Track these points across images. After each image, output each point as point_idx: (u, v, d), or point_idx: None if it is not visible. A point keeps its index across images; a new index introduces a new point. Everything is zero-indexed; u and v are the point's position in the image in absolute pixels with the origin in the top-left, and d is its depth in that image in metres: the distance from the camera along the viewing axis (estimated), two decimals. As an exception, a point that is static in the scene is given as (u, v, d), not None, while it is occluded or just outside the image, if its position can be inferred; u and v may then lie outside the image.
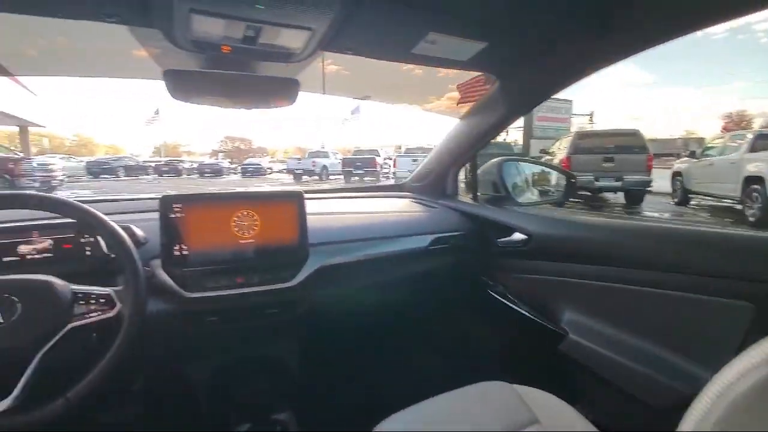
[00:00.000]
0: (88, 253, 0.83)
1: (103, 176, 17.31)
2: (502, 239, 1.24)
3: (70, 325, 0.66)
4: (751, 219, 6.01)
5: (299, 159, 18.08)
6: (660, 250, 0.90)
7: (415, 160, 13.57)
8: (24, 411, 0.60)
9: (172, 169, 19.67)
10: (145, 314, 0.70)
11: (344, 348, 1.25)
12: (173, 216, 0.89)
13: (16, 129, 14.18)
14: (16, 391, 0.60)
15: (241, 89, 0.80)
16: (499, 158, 1.37)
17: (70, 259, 0.82)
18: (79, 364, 0.73)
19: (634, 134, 8.40)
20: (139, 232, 0.82)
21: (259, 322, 0.99)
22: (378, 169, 15.62)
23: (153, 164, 20.32)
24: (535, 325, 1.11)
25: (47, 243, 0.81)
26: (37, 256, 0.80)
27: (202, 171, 19.71)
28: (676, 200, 8.62)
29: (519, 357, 1.24)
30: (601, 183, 7.97)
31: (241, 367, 1.09)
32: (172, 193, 0.92)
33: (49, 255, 0.81)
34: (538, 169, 1.48)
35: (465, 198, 1.45)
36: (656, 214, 7.89)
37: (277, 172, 21.75)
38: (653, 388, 0.83)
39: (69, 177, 12.54)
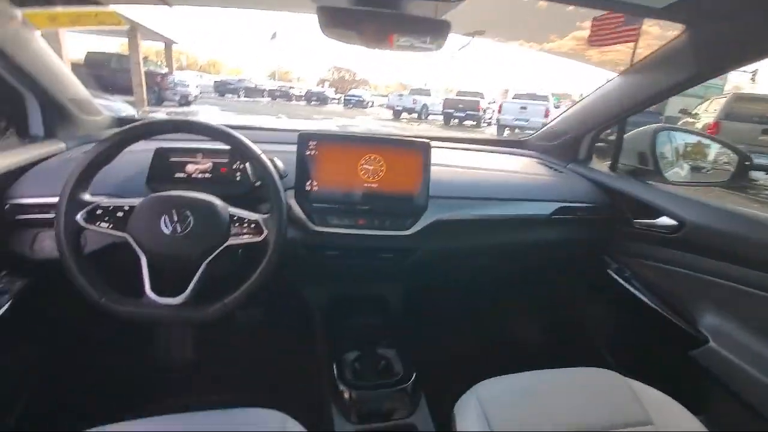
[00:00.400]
0: (237, 178, 0.93)
1: (227, 95, 19.10)
2: (641, 220, 1.08)
3: (226, 243, 0.75)
4: None
5: (401, 95, 17.75)
6: None
7: (523, 108, 12.40)
8: (193, 308, 0.73)
9: (283, 94, 20.84)
10: (285, 242, 0.77)
11: (447, 302, 1.27)
12: (308, 152, 0.94)
13: (162, 46, 16.04)
14: (187, 291, 0.72)
15: (390, 29, 0.77)
16: (655, 125, 1.16)
17: (224, 182, 0.92)
18: (228, 276, 0.85)
19: None
20: (280, 164, 0.88)
21: (372, 263, 1.05)
22: (480, 113, 14.69)
23: (267, 88, 21.70)
24: (663, 321, 0.99)
25: (208, 165, 0.92)
26: (200, 176, 0.91)
27: (309, 98, 20.53)
28: None
29: (637, 351, 1.14)
30: (756, 161, 6.51)
31: (352, 300, 1.18)
32: (309, 129, 0.96)
33: (209, 176, 0.92)
34: (701, 141, 1.23)
35: (600, 166, 1.29)
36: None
37: (377, 106, 21.77)
38: None
39: (201, 93, 14.07)
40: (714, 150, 1.26)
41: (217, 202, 0.76)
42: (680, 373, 0.95)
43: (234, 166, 0.93)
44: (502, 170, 1.19)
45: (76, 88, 1.05)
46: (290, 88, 22.92)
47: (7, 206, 0.82)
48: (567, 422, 0.76)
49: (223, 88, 19.47)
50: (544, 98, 13.33)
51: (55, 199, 0.83)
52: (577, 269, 1.29)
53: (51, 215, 0.84)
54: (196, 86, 12.22)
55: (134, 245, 0.72)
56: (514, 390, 0.82)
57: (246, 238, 0.76)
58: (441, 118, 15.61)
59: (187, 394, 1.23)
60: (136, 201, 0.74)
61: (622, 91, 1.12)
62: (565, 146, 1.33)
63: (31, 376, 0.97)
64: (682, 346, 0.93)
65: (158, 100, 10.79)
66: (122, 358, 1.26)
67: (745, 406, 0.80)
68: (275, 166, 0.85)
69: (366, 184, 0.96)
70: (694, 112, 8.35)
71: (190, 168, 0.91)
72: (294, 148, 0.96)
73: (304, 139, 0.93)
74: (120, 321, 0.72)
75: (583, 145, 1.30)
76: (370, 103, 20.89)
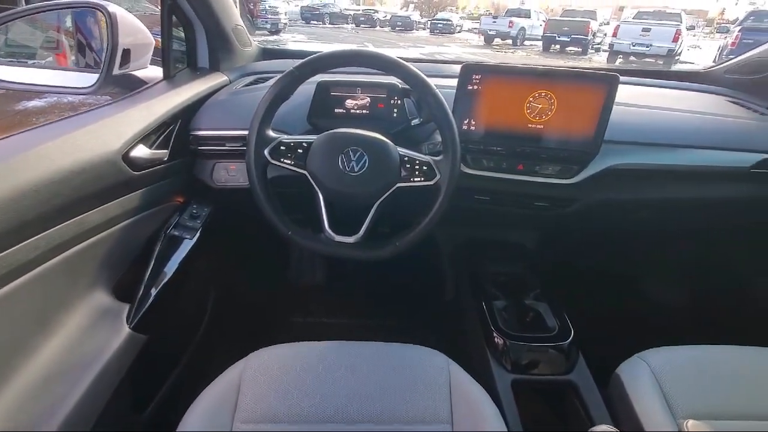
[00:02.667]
0: (395, 115, 0.88)
1: (312, 21, 18.83)
2: None
3: (397, 185, 0.73)
4: None
5: (495, 18, 15.90)
6: None
7: (646, 30, 10.44)
8: (367, 247, 0.74)
9: (367, 20, 19.91)
10: (456, 187, 0.73)
11: (601, 258, 1.17)
12: (471, 87, 0.85)
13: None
14: (362, 231, 0.73)
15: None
16: None
17: (381, 118, 0.88)
18: (395, 216, 0.84)
19: None
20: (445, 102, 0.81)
21: (525, 212, 0.97)
22: (589, 37, 12.71)
23: (351, 13, 20.88)
24: None
25: (366, 100, 0.88)
26: (358, 112, 0.88)
27: (394, 24, 19.38)
28: None
29: None
30: None
31: (487, 245, 1.14)
32: (473, 60, 0.85)
33: (366, 112, 0.88)
34: None
35: None
36: None
37: (466, 30, 19.94)
38: None
39: (289, 20, 14.03)
40: None
41: (388, 141, 0.73)
42: None
43: (391, 102, 0.88)
44: (688, 111, 0.99)
45: (236, 15, 1.05)
46: (374, 12, 21.78)
47: (191, 137, 0.88)
48: (756, 406, 0.68)
49: (308, 15, 19.19)
50: (676, 17, 11.09)
51: (230, 132, 0.87)
52: (756, 235, 1.09)
53: (227, 147, 0.89)
54: (285, 14, 12.14)
55: (313, 182, 0.73)
56: (690, 362, 0.75)
57: (417, 182, 0.73)
58: (539, 44, 13.87)
59: (330, 315, 1.35)
60: (312, 137, 0.73)
61: None
62: None
63: (212, 291, 1.11)
64: None
65: (251, 28, 10.98)
66: (270, 279, 1.39)
67: None
68: None
69: (531, 125, 0.86)
70: None
71: (349, 103, 0.88)
72: (446, 82, 0.87)
73: (469, 71, 0.83)
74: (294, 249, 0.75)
75: (804, 79, 1.02)
76: (458, 28, 19.19)
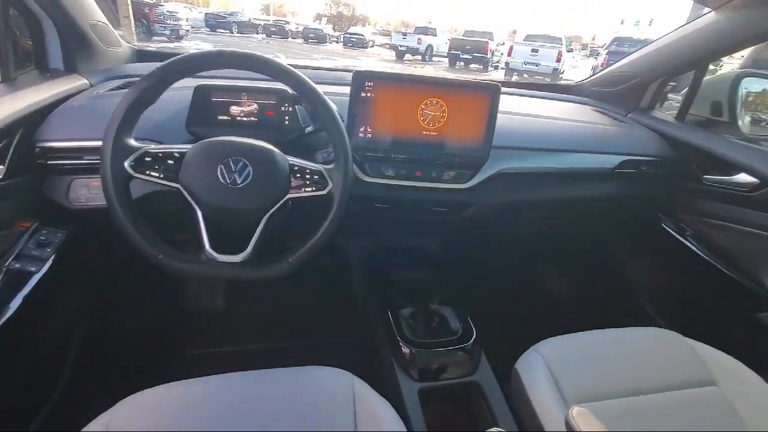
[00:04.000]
0: (286, 122, 0.83)
1: (219, 30, 17.88)
2: (712, 176, 1.01)
3: (288, 196, 0.68)
4: None
5: (405, 34, 16.68)
6: None
7: (535, 51, 11.76)
8: (254, 267, 0.67)
9: (279, 30, 19.49)
10: (350, 195, 0.70)
11: (499, 257, 1.23)
12: (364, 94, 0.83)
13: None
14: (249, 248, 0.66)
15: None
16: (738, 71, 1.05)
17: (272, 127, 0.83)
18: (286, 230, 0.78)
19: None
20: (335, 108, 0.78)
21: (425, 217, 0.98)
22: (489, 55, 13.96)
23: (261, 23, 20.27)
24: (729, 282, 0.95)
25: (254, 107, 0.81)
26: (244, 119, 0.81)
27: (307, 36, 19.24)
28: None
29: (696, 311, 1.12)
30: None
31: (393, 253, 1.14)
32: (365, 68, 0.84)
33: (255, 119, 0.82)
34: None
35: (663, 115, 1.18)
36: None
37: (378, 45, 20.57)
38: None
39: (192, 27, 13.11)
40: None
41: (275, 150, 0.68)
42: (745, 335, 0.93)
43: (282, 109, 0.83)
44: (563, 119, 1.09)
45: (96, 11, 0.91)
46: (285, 23, 21.45)
47: (37, 149, 0.73)
48: (632, 381, 0.74)
49: (214, 22, 18.19)
50: (558, 41, 12.65)
51: (88, 143, 0.75)
52: (632, 226, 1.23)
53: (85, 160, 0.76)
54: (186, 19, 11.33)
55: (188, 197, 0.64)
56: (577, 349, 0.80)
57: (309, 192, 0.69)
58: (446, 60, 14.84)
59: (233, 343, 1.23)
60: (186, 147, 0.65)
61: (709, 32, 0.99)
62: (627, 93, 1.22)
63: (78, 330, 0.93)
64: (749, 309, 0.90)
65: (148, 34, 10.04)
66: (158, 307, 1.23)
67: None
68: None
69: (425, 132, 0.87)
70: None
71: (234, 110, 0.81)
72: (340, 89, 0.85)
73: (361, 78, 0.82)
74: (171, 275, 0.66)
75: (649, 92, 1.18)
76: (371, 42, 19.72)
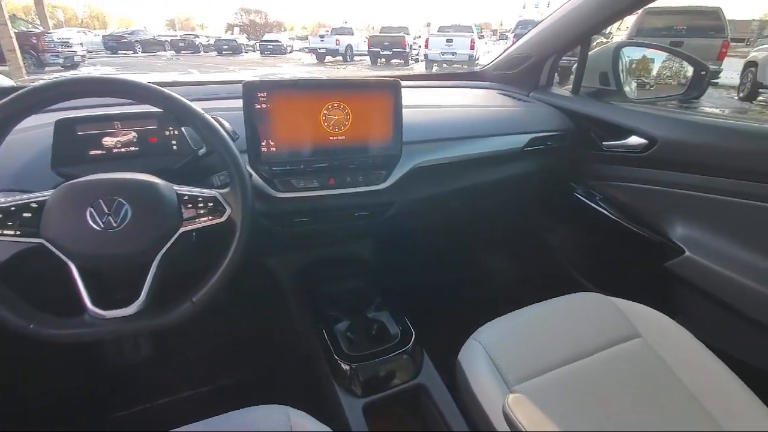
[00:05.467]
0: (174, 148, 0.75)
1: (121, 51, 16.53)
2: (610, 142, 1.08)
3: (182, 230, 0.61)
4: (830, 121, 5.39)
5: (322, 37, 16.53)
6: None
7: (449, 41, 12.21)
8: (152, 315, 0.59)
9: (189, 45, 18.44)
10: (253, 219, 0.65)
11: (430, 251, 1.22)
12: (259, 106, 0.78)
13: (31, 0, 13.21)
14: (142, 297, 0.58)
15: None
16: (617, 42, 1.13)
17: (157, 154, 0.74)
18: (187, 266, 0.71)
19: (713, 13, 7.18)
20: (228, 125, 0.71)
21: (348, 224, 0.95)
22: (407, 50, 14.27)
23: (169, 39, 19.03)
24: (638, 238, 1.02)
25: (131, 135, 0.72)
26: (123, 150, 0.72)
27: (220, 48, 18.40)
28: (741, 95, 7.72)
29: (615, 270, 1.19)
30: (663, 72, 7.10)
31: (325, 266, 1.09)
32: (255, 78, 0.78)
33: (135, 149, 0.73)
34: (659, 56, 1.22)
35: (561, 91, 1.25)
36: (717, 110, 7.18)
37: (297, 50, 20.21)
38: None
39: (89, 52, 11.98)
40: (672, 62, 1.26)
41: (156, 180, 0.60)
42: (659, 285, 1.01)
43: (167, 133, 0.74)
44: (469, 106, 1.11)
45: None
46: (195, 37, 20.34)
47: None
48: (566, 350, 0.77)
49: (114, 44, 16.79)
50: (468, 29, 13.23)
51: None
52: (548, 199, 1.29)
53: None
54: (81, 44, 10.31)
55: (56, 251, 0.55)
56: (512, 328, 0.81)
57: (205, 221, 0.62)
58: (367, 59, 14.95)
59: (165, 394, 1.11)
60: (46, 194, 0.56)
61: (587, 7, 1.05)
62: (526, 73, 1.27)
63: None
64: (658, 260, 0.97)
65: (39, 65, 8.97)
66: (72, 367, 1.08)
67: (723, 306, 0.86)
68: (222, 126, 0.69)
69: (332, 137, 0.83)
70: (608, 32, 8.74)
71: (107, 141, 0.71)
72: (235, 103, 0.79)
73: (252, 89, 0.76)
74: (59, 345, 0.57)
75: (545, 70, 1.24)
76: (289, 48, 19.32)
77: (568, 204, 1.20)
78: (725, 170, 0.87)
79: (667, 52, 1.19)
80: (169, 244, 0.60)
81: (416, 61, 15.14)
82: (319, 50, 15.66)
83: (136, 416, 1.07)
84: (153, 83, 0.61)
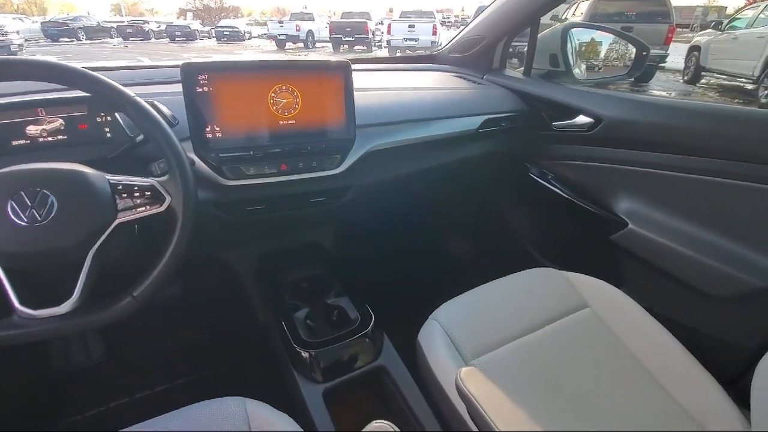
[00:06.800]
0: (108, 135, 0.70)
1: (62, 39, 15.31)
2: (559, 122, 1.11)
3: (117, 221, 0.57)
4: (764, 100, 5.82)
5: (281, 22, 16.00)
6: (756, 138, 0.80)
7: (411, 26, 12.16)
8: (89, 312, 0.56)
9: (138, 32, 17.33)
10: (197, 207, 0.62)
11: (388, 235, 1.22)
12: (200, 90, 0.74)
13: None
14: (76, 294, 0.54)
15: None
16: (564, 24, 1.15)
17: (89, 143, 0.69)
18: (130, 259, 0.68)
19: None
20: (165, 109, 0.67)
21: (304, 211, 0.93)
22: (369, 36, 14.09)
23: (115, 25, 17.81)
24: (587, 213, 1.07)
25: (58, 123, 0.67)
26: (49, 139, 0.67)
27: (173, 34, 17.41)
28: (686, 78, 8.19)
29: (566, 244, 1.24)
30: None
31: (283, 255, 1.07)
32: (195, 60, 0.74)
33: (63, 137, 0.68)
34: (606, 39, 1.26)
35: (514, 73, 1.27)
36: (664, 93, 7.58)
37: (256, 37, 19.49)
38: (716, 278, 0.83)
39: (27, 41, 11.03)
40: (618, 44, 1.30)
41: (84, 169, 0.56)
42: (607, 258, 1.06)
43: (98, 120, 0.69)
44: (424, 89, 1.10)
45: None
46: (144, 23, 19.16)
47: None
48: (519, 323, 0.80)
49: (55, 31, 15.53)
50: (430, 14, 13.21)
51: None
52: (505, 179, 1.32)
53: None
54: (17, 32, 9.49)
55: None
56: (469, 306, 0.83)
57: (143, 211, 0.59)
58: (330, 45, 14.65)
59: (114, 396, 1.06)
60: None
61: None
62: (480, 56, 1.28)
63: None
64: (605, 234, 1.02)
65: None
66: (13, 379, 1.01)
67: (664, 274, 0.92)
68: (159, 111, 0.65)
69: (282, 121, 0.80)
70: (563, 18, 8.96)
71: (32, 130, 0.66)
72: (177, 88, 0.75)
73: (191, 72, 0.72)
74: None
75: (497, 52, 1.26)
76: (247, 34, 18.59)
77: (524, 184, 1.23)
78: (665, 146, 0.92)
79: (613, 33, 1.23)
80: (103, 238, 0.56)
81: (379, 47, 14.99)
82: (279, 36, 15.19)
83: (91, 419, 1.02)
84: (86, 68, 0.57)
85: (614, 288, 0.89)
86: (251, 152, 0.80)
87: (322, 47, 15.41)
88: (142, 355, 1.16)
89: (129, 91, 0.58)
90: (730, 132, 0.83)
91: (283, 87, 0.79)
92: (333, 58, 0.84)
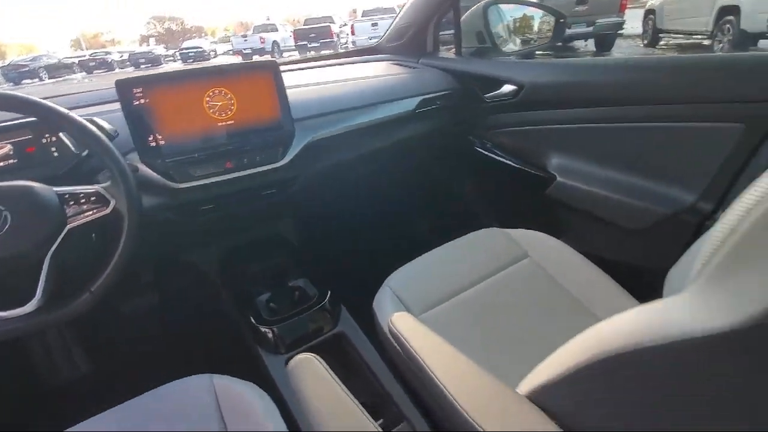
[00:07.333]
0: (55, 154, 0.76)
1: (24, 81, 15.06)
2: (490, 93, 1.19)
3: (68, 227, 0.63)
4: (720, 53, 5.99)
5: (245, 36, 15.98)
6: (654, 83, 0.89)
7: (375, 25, 12.25)
8: (51, 310, 0.62)
9: (101, 63, 17.14)
10: (141, 206, 0.68)
11: (343, 217, 1.29)
12: (137, 102, 0.80)
13: None
14: (38, 294, 0.60)
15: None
16: (483, 2, 1.23)
17: (39, 163, 0.75)
18: (89, 261, 0.73)
19: None
20: (105, 124, 0.73)
21: (256, 205, 0.99)
22: (335, 39, 14.14)
23: (77, 60, 17.59)
24: (523, 174, 1.15)
25: (7, 148, 0.72)
26: (1, 164, 0.72)
27: (137, 62, 17.28)
28: (645, 41, 8.37)
29: (509, 205, 1.32)
30: (572, 30, 7.51)
31: (247, 248, 1.13)
32: (127, 76, 0.80)
33: (13, 161, 0.73)
34: (527, 11, 1.35)
35: (447, 54, 1.34)
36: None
37: (222, 54, 19.40)
38: (633, 213, 0.91)
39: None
40: (539, 16, 1.39)
41: (32, 184, 0.62)
42: (544, 211, 1.14)
43: (44, 141, 0.75)
44: (361, 78, 1.17)
45: None
46: (106, 54, 18.93)
47: None
48: (465, 278, 0.86)
49: (14, 74, 15.25)
50: (392, 11, 13.31)
51: None
52: (451, 153, 1.39)
53: None
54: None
55: None
56: (419, 269, 0.90)
57: (91, 215, 0.65)
58: (296, 53, 14.66)
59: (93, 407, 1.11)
60: None
61: None
62: (413, 41, 1.35)
63: None
64: (540, 190, 1.10)
65: None
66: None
67: (592, 218, 1.00)
68: (99, 127, 0.71)
69: (220, 123, 0.87)
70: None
71: (-19, 158, 0.71)
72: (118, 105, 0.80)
73: (126, 87, 0.78)
74: None
75: (429, 36, 1.33)
76: (212, 53, 18.50)
77: (469, 155, 1.31)
78: (579, 101, 1.00)
79: (531, 6, 1.31)
80: (57, 243, 0.62)
81: (346, 48, 15.04)
82: (244, 51, 15.17)
83: None
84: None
85: (552, 238, 0.97)
86: (195, 155, 0.86)
87: (290, 56, 15.40)
88: (119, 364, 1.20)
89: (65, 110, 0.64)
90: (631, 80, 0.92)
91: (217, 91, 0.85)
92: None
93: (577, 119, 1.01)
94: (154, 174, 0.83)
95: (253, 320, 0.87)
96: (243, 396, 0.65)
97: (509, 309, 0.81)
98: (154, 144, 0.82)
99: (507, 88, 1.13)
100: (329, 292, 0.91)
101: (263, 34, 15.25)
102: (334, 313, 0.89)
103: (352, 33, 12.69)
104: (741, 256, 0.27)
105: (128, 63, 17.67)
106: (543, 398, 0.44)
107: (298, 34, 14.39)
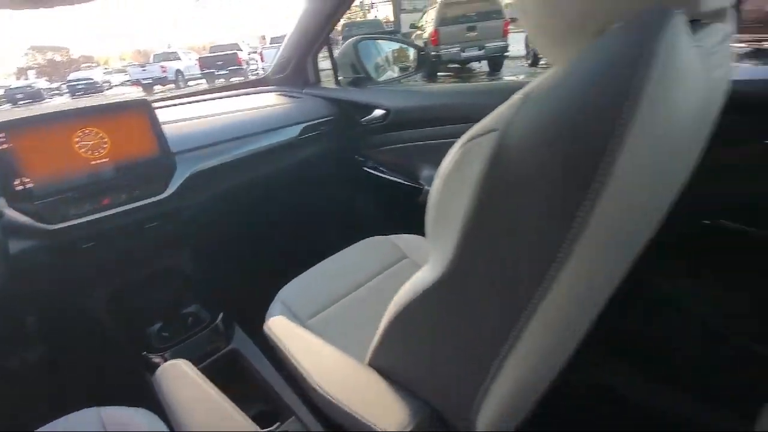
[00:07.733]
0: None
1: None
2: (365, 118, 1.34)
3: None
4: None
5: (143, 66, 15.02)
6: (483, 104, 1.09)
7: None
8: None
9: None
10: (8, 255, 0.68)
11: (240, 240, 1.33)
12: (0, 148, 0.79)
13: None
14: None
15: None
16: (354, 38, 1.39)
17: None
18: None
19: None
20: None
21: (141, 239, 1.00)
22: (244, 66, 13.93)
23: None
24: (401, 186, 1.30)
25: None
26: None
27: (13, 98, 15.28)
28: (529, 62, 9.50)
29: (391, 214, 1.47)
30: (467, 53, 8.28)
31: (139, 282, 1.11)
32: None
33: None
34: (394, 45, 1.54)
35: (328, 84, 1.48)
36: (513, 77, 8.69)
37: (118, 85, 18.00)
38: None
39: None
40: (405, 48, 1.59)
41: None
42: (419, 217, 1.29)
43: None
44: (245, 110, 1.25)
45: None
46: (-28, 91, 16.51)
47: None
48: (350, 283, 0.95)
49: None
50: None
51: None
52: (338, 174, 1.52)
53: None
54: None
55: None
56: (307, 280, 0.97)
57: None
58: (204, 82, 14.14)
59: None
60: None
61: (314, 13, 1.27)
62: (296, 73, 1.47)
63: None
64: (415, 198, 1.26)
65: None
66: None
67: None
68: None
69: (93, 162, 0.88)
70: (420, 24, 9.80)
71: None
72: None
73: None
74: None
75: (309, 68, 1.45)
76: (107, 84, 17.08)
77: (358, 173, 1.44)
78: (436, 120, 1.18)
79: (392, 40, 1.51)
80: None
81: (257, 75, 14.85)
82: (144, 81, 14.26)
83: None
84: None
85: (422, 238, 1.11)
86: (69, 194, 0.86)
87: (197, 84, 14.79)
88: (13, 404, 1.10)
89: None
90: (471, 102, 1.12)
91: (87, 131, 0.87)
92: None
93: (435, 136, 1.19)
94: (23, 217, 0.81)
95: (145, 351, 0.88)
96: (132, 421, 0.66)
97: (386, 301, 0.92)
98: (21, 188, 0.81)
99: (378, 112, 1.29)
100: (222, 314, 0.95)
101: (165, 63, 14.49)
102: (226, 332, 0.92)
103: (262, 60, 12.63)
104: (433, 231, 0.41)
105: (4, 99, 15.55)
106: (378, 360, 0.55)
107: (204, 62, 13.94)
